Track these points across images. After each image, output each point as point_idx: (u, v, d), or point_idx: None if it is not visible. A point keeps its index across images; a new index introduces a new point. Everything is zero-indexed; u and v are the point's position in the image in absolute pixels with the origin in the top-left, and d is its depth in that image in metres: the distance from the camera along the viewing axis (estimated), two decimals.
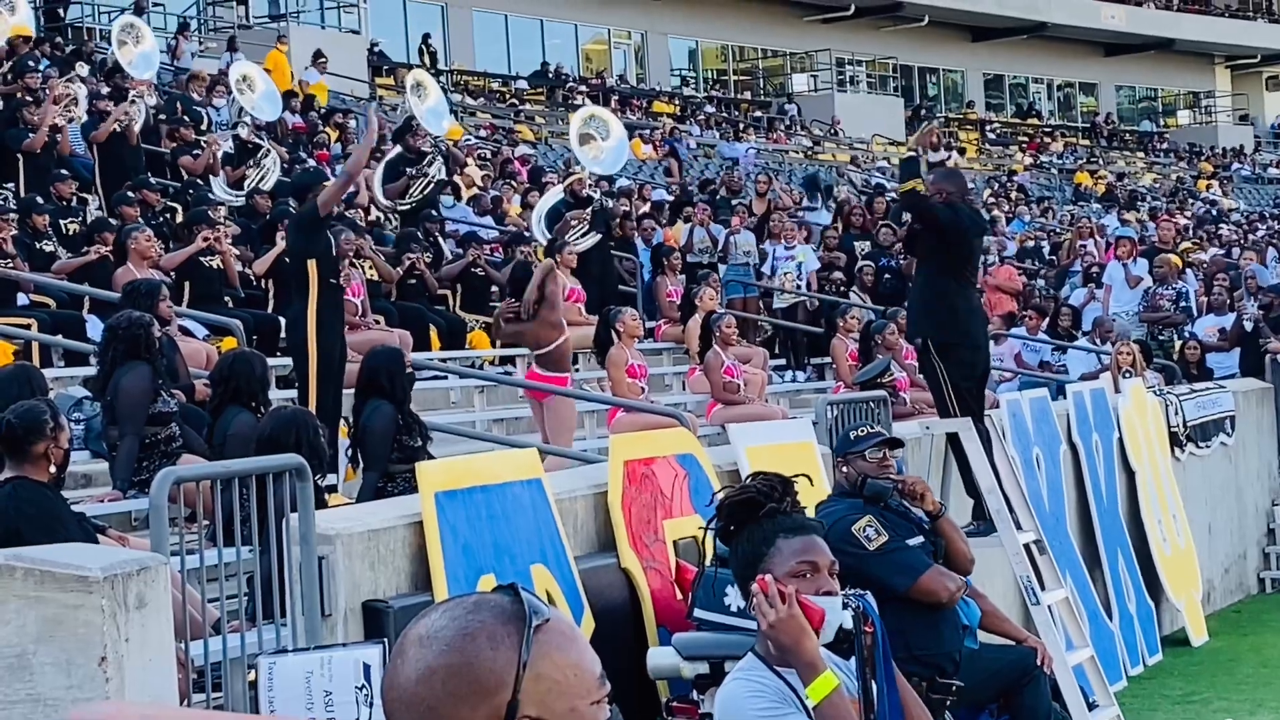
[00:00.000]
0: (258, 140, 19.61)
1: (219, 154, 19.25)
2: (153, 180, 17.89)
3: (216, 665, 6.34)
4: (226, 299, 14.95)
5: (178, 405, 9.96)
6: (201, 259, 14.73)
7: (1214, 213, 39.57)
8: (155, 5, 35.00)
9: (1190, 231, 32.24)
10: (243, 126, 19.86)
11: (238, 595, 6.78)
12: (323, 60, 31.34)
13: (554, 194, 20.06)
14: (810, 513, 5.33)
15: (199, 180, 18.67)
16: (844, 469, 7.97)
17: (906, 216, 10.67)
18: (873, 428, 8.49)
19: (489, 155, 27.84)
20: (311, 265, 11.62)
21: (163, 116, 21.10)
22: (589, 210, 18.70)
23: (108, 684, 5.34)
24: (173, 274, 14.17)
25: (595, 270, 18.25)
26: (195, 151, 19.50)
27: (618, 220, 20.68)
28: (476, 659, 2.20)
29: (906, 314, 11.78)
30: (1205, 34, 59.58)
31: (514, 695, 2.20)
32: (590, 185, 19.64)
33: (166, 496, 6.19)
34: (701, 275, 18.91)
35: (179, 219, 16.66)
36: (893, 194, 24.39)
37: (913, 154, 10.69)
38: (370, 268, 15.73)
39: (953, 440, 10.68)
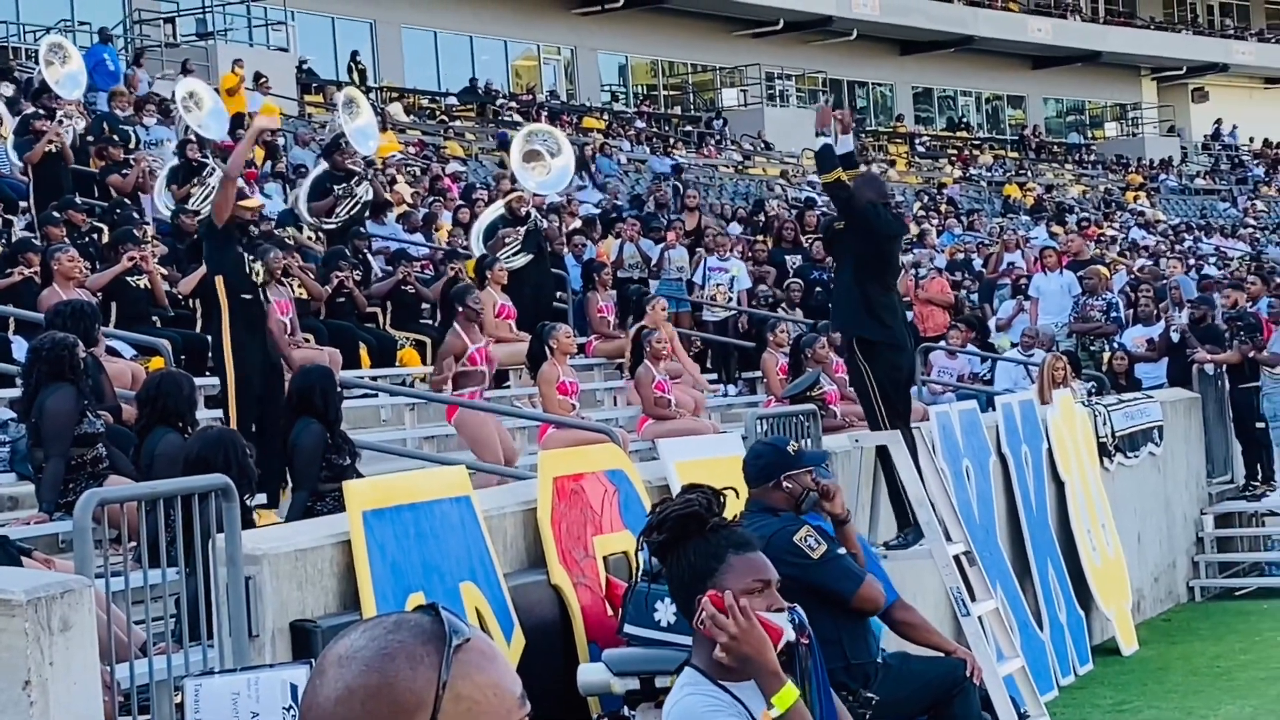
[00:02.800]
0: (203, 159, 19.52)
1: (149, 172, 19.14)
2: (79, 200, 17.79)
3: (143, 688, 6.30)
4: (154, 318, 14.87)
5: (104, 426, 9.89)
6: (128, 279, 14.66)
7: (1131, 227, 39.83)
8: (81, 25, 34.82)
9: (1111, 245, 32.49)
10: (190, 148, 19.73)
11: (164, 617, 6.74)
12: (264, 81, 31.12)
13: (493, 210, 20.04)
14: None
15: (126, 200, 18.57)
16: (787, 485, 7.97)
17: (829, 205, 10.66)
18: (799, 441, 8.53)
19: (419, 172, 27.80)
20: (219, 281, 11.61)
21: (90, 137, 20.98)
22: (522, 229, 18.65)
23: (32, 708, 5.30)
24: (99, 294, 14.08)
25: (529, 288, 18.21)
26: (124, 170, 19.38)
27: (552, 241, 20.62)
28: (396, 679, 2.19)
29: (830, 312, 11.81)
30: (1131, 46, 60.05)
31: (433, 716, 2.19)
32: (529, 202, 19.60)
33: (91, 518, 6.14)
34: (633, 291, 18.92)
35: (105, 239, 16.57)
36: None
37: (824, 140, 10.68)
38: (299, 286, 15.67)
39: (882, 453, 10.71)
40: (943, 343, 20.55)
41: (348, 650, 2.23)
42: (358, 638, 2.24)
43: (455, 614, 2.26)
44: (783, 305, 20.29)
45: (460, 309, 13.72)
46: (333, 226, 18.99)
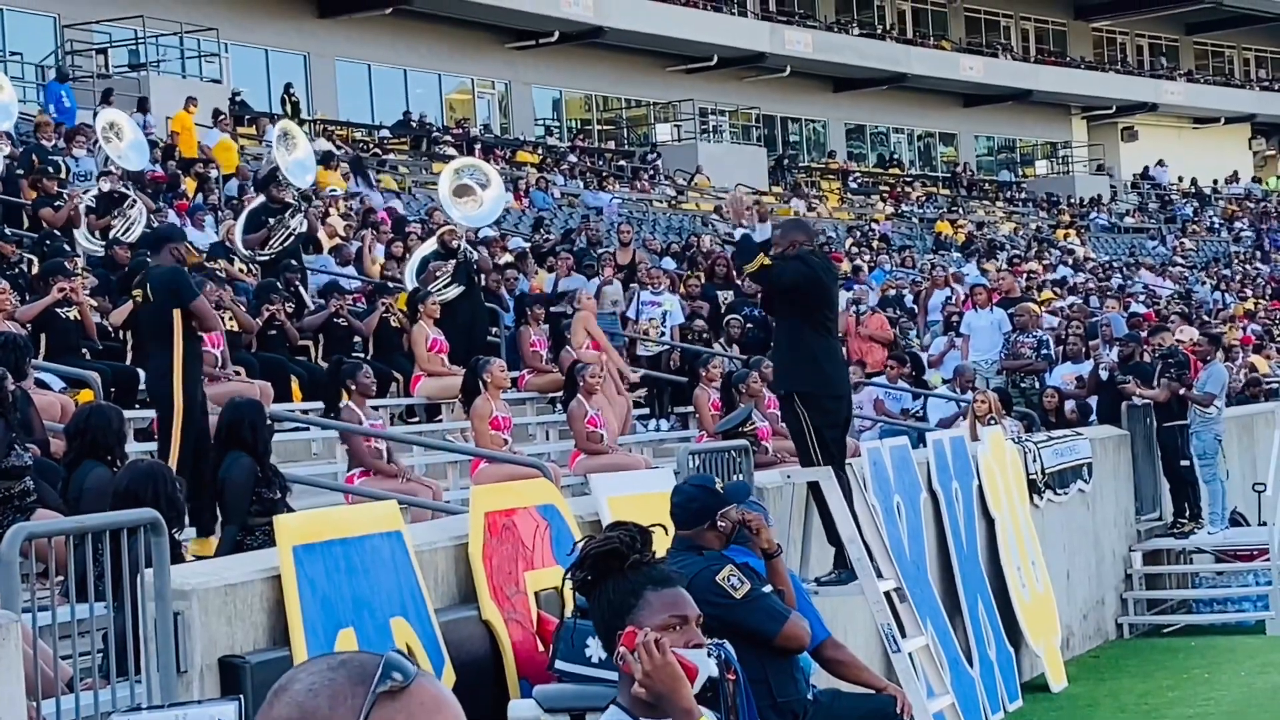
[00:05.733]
0: (123, 190, 19.43)
1: (81, 206, 19.05)
2: (8, 231, 17.67)
3: None
4: (84, 351, 14.76)
5: (32, 459, 9.81)
6: (58, 310, 14.55)
7: (1058, 265, 40.10)
8: (13, 55, 34.64)
9: (1042, 288, 32.69)
10: (106, 179, 19.64)
11: (92, 652, 6.69)
12: (223, 118, 30.87)
13: (427, 245, 20.03)
14: None
15: (57, 232, 18.45)
16: (721, 524, 7.97)
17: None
18: (727, 478, 8.56)
19: (356, 205, 27.70)
20: (176, 315, 11.63)
21: (20, 170, 20.83)
22: (452, 262, 18.65)
23: None
24: (29, 326, 13.98)
25: (463, 320, 18.20)
26: (57, 204, 19.27)
27: (485, 274, 20.60)
28: (311, 714, 2.19)
29: (773, 367, 11.85)
30: (1062, 85, 60.50)
31: None
32: (462, 236, 19.59)
33: (18, 552, 6.10)
34: (565, 325, 18.93)
35: (34, 270, 16.45)
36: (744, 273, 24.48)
37: (744, 231, 10.70)
38: (230, 318, 15.60)
39: (814, 489, 10.73)
40: (878, 379, 20.64)
41: (286, 682, 2.25)
42: (300, 672, 2.26)
43: (405, 660, 2.24)
44: (720, 341, 20.33)
45: (352, 385, 13.57)
46: (267, 257, 18.96)
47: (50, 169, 20.66)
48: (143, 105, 30.23)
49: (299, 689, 2.22)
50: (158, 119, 30.42)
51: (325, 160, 30.91)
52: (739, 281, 20.71)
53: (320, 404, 16.12)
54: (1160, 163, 61.82)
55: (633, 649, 4.41)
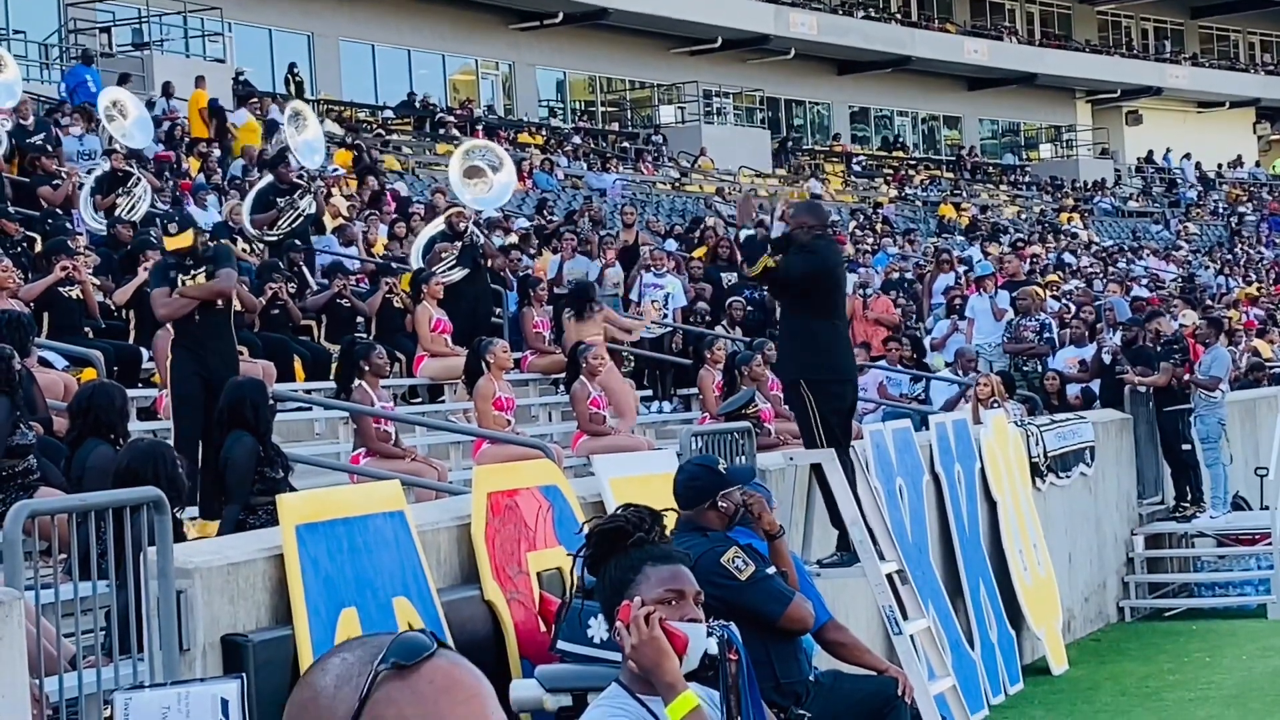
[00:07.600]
0: (128, 169, 19.41)
1: (77, 185, 19.03)
2: (11, 210, 17.67)
3: (72, 701, 6.26)
4: (86, 329, 14.77)
5: (35, 438, 9.82)
6: (60, 289, 14.55)
7: (1061, 249, 40.06)
8: (16, 33, 34.60)
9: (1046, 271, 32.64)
10: (112, 157, 19.63)
11: (94, 630, 6.69)
12: (254, 102, 30.74)
13: (434, 225, 20.01)
14: None
15: (58, 210, 18.45)
16: (722, 504, 7.98)
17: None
18: (730, 461, 8.58)
19: (356, 185, 27.65)
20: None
21: (13, 159, 20.81)
22: (458, 244, 18.65)
23: None
24: (32, 305, 13.98)
25: (467, 303, 18.19)
26: (55, 182, 19.25)
27: (490, 258, 20.57)
28: (319, 694, 2.19)
29: (777, 354, 11.83)
30: (1066, 69, 60.41)
31: None
32: (470, 218, 19.57)
33: (21, 530, 6.10)
34: (568, 311, 18.89)
35: (37, 249, 16.45)
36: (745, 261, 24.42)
37: (747, 232, 10.71)
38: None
39: (816, 471, 10.73)
40: (881, 361, 20.64)
41: (314, 662, 2.26)
42: (329, 651, 2.26)
43: (422, 638, 2.22)
44: (723, 324, 20.31)
45: (366, 365, 13.44)
46: (275, 238, 18.98)
47: (45, 150, 20.63)
48: (167, 89, 30.17)
49: (316, 668, 2.23)
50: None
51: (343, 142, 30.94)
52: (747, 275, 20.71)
53: (323, 384, 16.16)
54: (1187, 155, 61.65)
55: (627, 623, 4.45)
